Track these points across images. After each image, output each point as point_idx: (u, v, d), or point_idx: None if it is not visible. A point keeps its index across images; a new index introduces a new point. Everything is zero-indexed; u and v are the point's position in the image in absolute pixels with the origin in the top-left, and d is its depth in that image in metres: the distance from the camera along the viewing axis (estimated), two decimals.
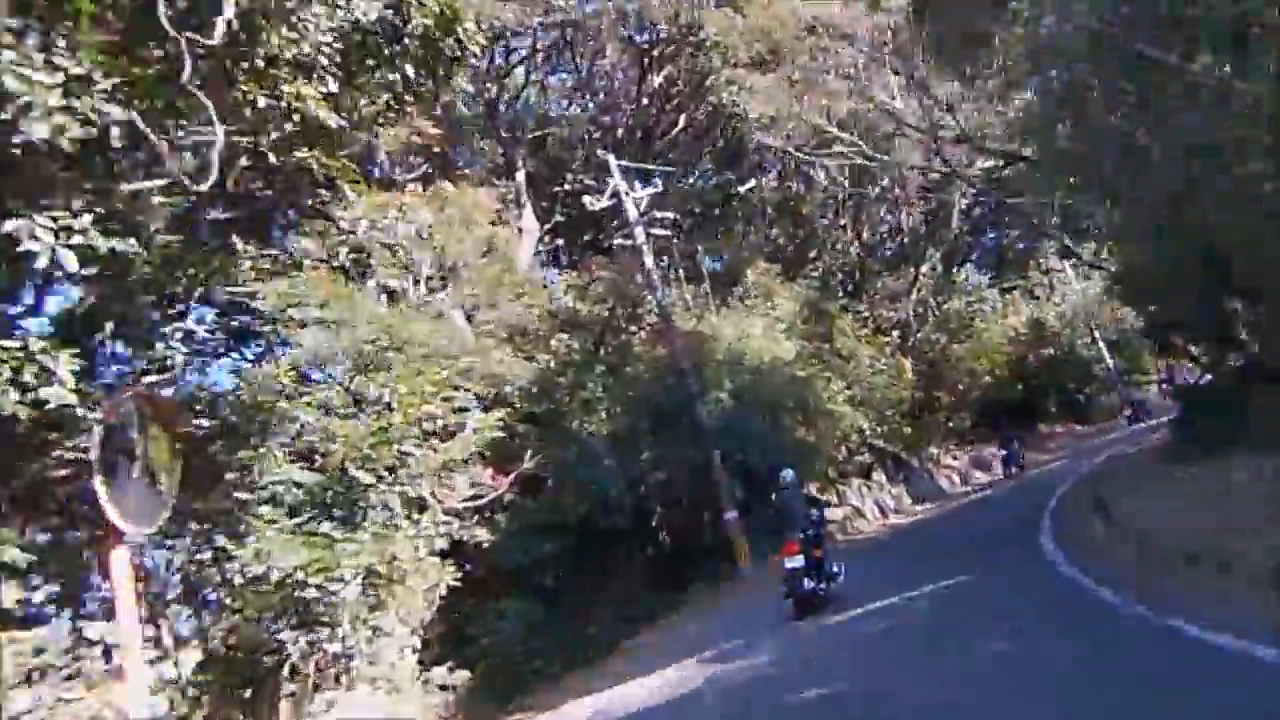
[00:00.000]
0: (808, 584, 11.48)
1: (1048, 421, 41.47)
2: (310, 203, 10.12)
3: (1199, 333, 17.25)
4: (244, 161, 9.34)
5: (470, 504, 15.20)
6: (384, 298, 12.52)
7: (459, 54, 8.73)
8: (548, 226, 23.26)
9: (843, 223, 32.71)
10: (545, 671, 15.48)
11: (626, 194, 20.59)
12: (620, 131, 25.80)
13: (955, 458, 36.52)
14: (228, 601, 11.33)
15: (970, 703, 6.39)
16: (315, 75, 7.66)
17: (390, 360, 11.88)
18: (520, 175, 22.36)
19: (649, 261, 20.48)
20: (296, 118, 8.78)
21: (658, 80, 25.13)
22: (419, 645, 13.14)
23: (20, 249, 6.07)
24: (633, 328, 21.17)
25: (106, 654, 11.35)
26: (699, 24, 22.32)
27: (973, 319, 37.07)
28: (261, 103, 7.41)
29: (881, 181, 34.40)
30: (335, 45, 7.84)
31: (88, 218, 6.50)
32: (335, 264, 10.51)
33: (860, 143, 21.56)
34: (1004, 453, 30.52)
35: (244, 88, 7.32)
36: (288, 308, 11.19)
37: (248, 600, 10.93)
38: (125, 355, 9.24)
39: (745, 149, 27.86)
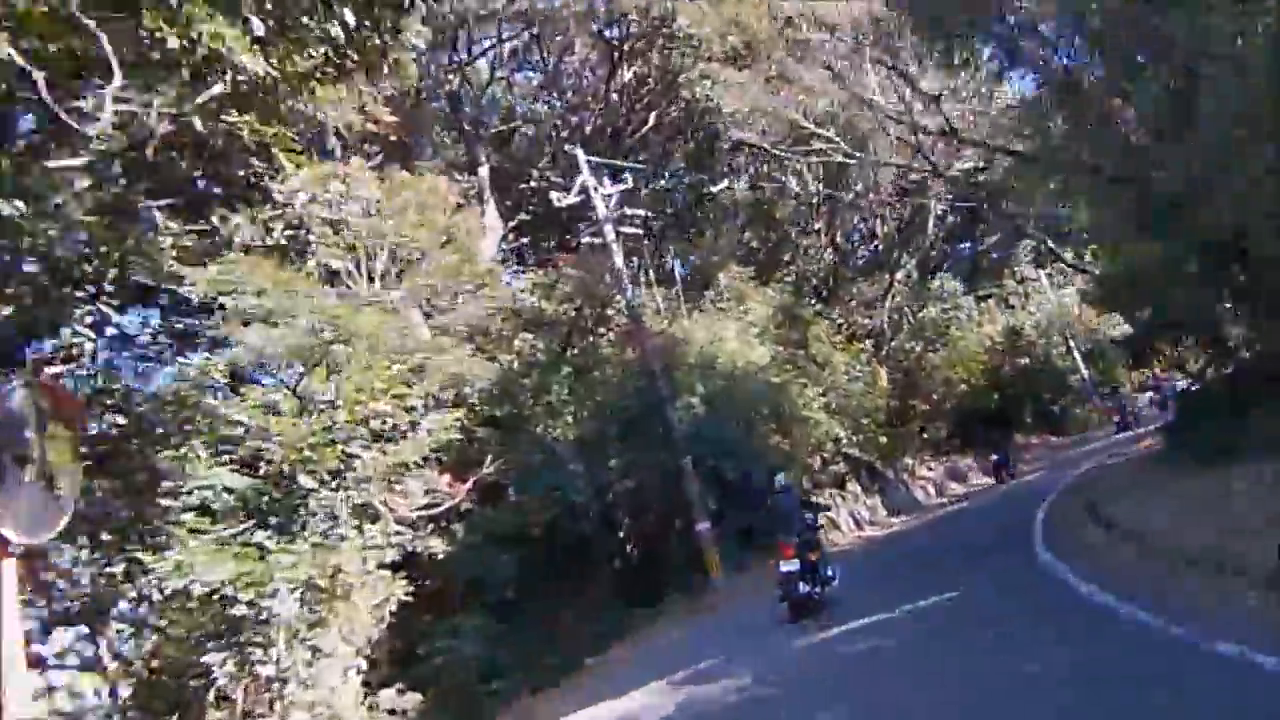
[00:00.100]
0: (802, 588, 11.31)
1: (1023, 432, 41.01)
2: (242, 174, 9.10)
3: (1197, 334, 16.69)
4: (165, 128, 8.33)
5: (425, 513, 14.15)
6: (328, 284, 11.45)
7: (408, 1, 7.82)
8: (512, 224, 22.29)
9: (816, 227, 32.10)
10: (505, 693, 14.43)
11: (595, 190, 19.71)
12: (589, 130, 24.93)
13: (930, 469, 35.83)
14: (150, 620, 10.19)
15: None
16: (238, 17, 6.67)
17: (335, 354, 10.85)
18: (483, 171, 21.38)
19: (618, 260, 19.60)
20: (225, 78, 7.82)
21: (628, 75, 24.27)
22: (365, 666, 12.03)
23: None
24: (601, 329, 20.26)
25: None
26: (672, 16, 21.52)
27: (948, 327, 36.55)
28: (172, 43, 6.42)
29: (855, 186, 33.95)
30: None
31: None
32: (269, 242, 9.45)
33: (838, 139, 20.84)
34: (995, 458, 30.02)
35: (150, 26, 6.33)
36: (220, 295, 10.14)
37: (170, 618, 9.81)
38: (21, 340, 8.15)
39: (718, 149, 27.15)
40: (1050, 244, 24.95)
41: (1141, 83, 11.26)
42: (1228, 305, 14.65)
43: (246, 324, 11.60)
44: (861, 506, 28.19)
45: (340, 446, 10.51)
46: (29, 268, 7.29)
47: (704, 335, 22.88)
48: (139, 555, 9.38)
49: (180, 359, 13.04)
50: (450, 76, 21.68)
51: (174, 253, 9.53)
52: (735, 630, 13.39)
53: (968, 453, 37.17)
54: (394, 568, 13.37)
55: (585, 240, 20.18)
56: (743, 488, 19.77)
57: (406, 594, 13.18)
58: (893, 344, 34.90)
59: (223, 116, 8.18)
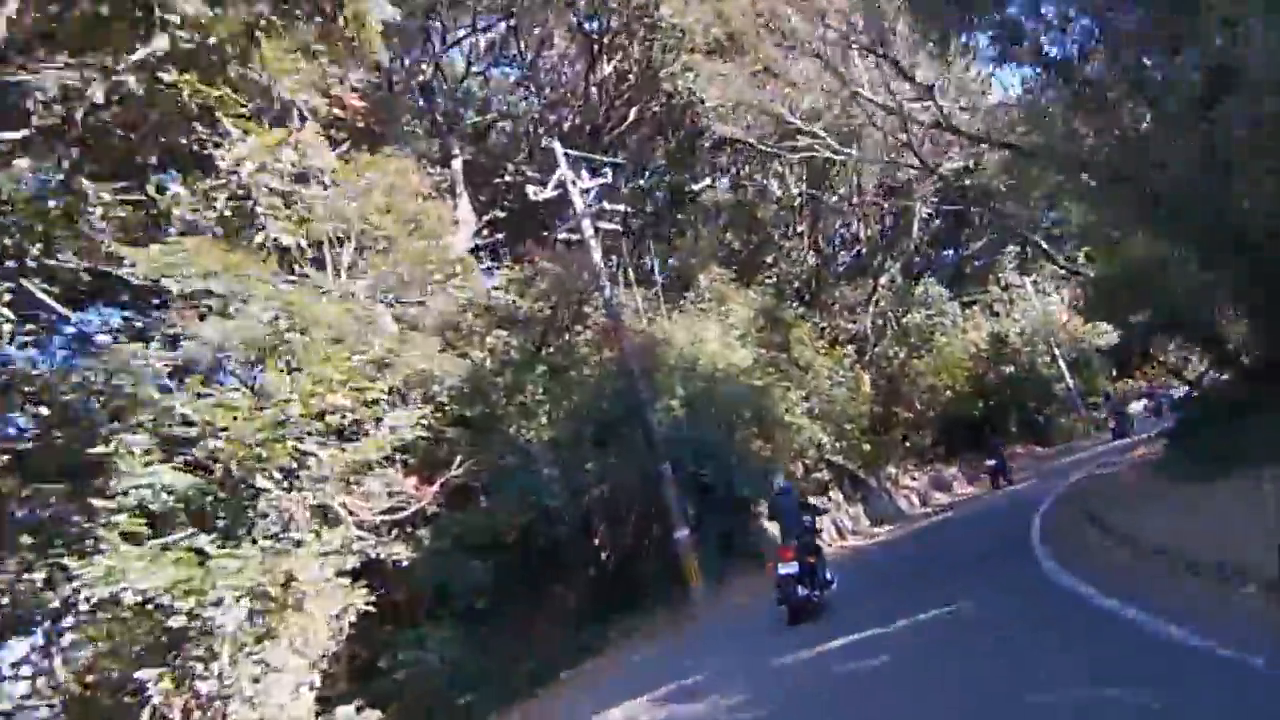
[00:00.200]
0: (801, 591, 11.17)
1: (1008, 442, 40.58)
2: (185, 143, 8.30)
3: (1198, 336, 16.17)
4: (98, 93, 7.54)
5: (389, 516, 13.34)
6: (286, 269, 10.62)
7: None
8: (486, 219, 21.49)
9: (799, 229, 31.52)
10: (473, 708, 13.61)
11: (573, 183, 19.00)
12: (567, 127, 24.22)
13: (914, 477, 35.25)
14: (76, 631, 9.30)
15: None
16: None
17: (291, 344, 10.03)
18: (457, 164, 20.58)
19: (596, 257, 18.89)
20: (163, 32, 7.04)
21: (607, 69, 23.55)
22: (319, 681, 11.18)
23: None
24: (578, 328, 19.50)
25: None
26: (654, 4, 20.84)
27: (933, 333, 36.04)
28: None
29: (839, 190, 33.46)
30: None
31: None
32: (212, 216, 8.64)
33: (825, 135, 20.23)
34: (992, 463, 29.55)
35: None
36: (163, 278, 9.30)
37: (99, 630, 8.94)
38: None
39: (699, 148, 26.50)
40: (1044, 245, 24.32)
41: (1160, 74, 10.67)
42: (1233, 308, 14.13)
43: (202, 317, 10.84)
44: (844, 515, 27.55)
45: (294, 443, 9.69)
46: None
47: (684, 336, 22.21)
48: (63, 560, 8.51)
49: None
50: (423, 67, 20.88)
51: (107, 228, 8.67)
52: (718, 643, 12.68)
53: (952, 462, 36.69)
54: (355, 575, 12.58)
55: (562, 236, 19.43)
56: (723, 494, 19.17)
57: (368, 603, 12.37)
58: (876, 349, 34.36)
59: (158, 75, 7.38)
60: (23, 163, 8.74)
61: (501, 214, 22.42)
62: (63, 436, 8.73)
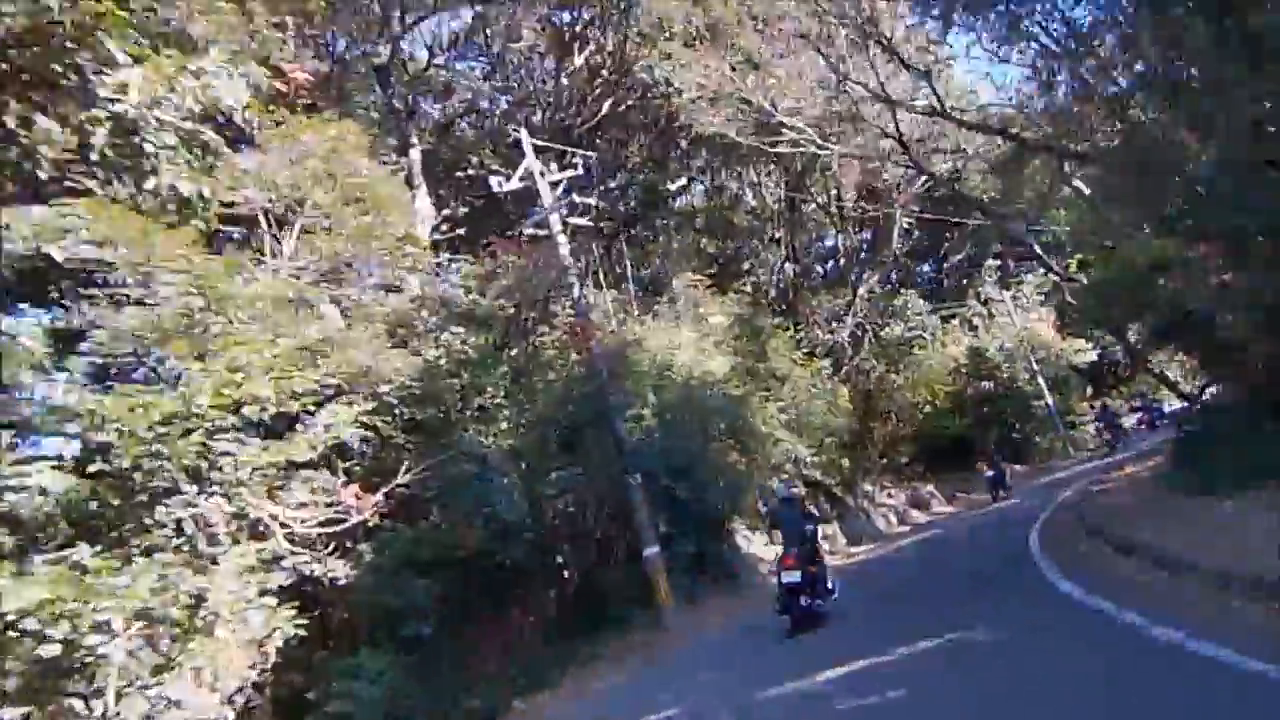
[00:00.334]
0: (804, 601, 11.10)
1: (986, 461, 39.76)
2: (57, 69, 6.93)
3: (1206, 343, 15.20)
4: None
5: (326, 529, 11.90)
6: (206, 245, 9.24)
7: None
8: (446, 213, 20.05)
9: (777, 236, 30.46)
10: None
11: (541, 174, 17.76)
12: (536, 124, 22.88)
13: (891, 495, 34.30)
14: None
15: None
16: None
17: (202, 323, 8.62)
18: (415, 153, 19.17)
19: (565, 252, 17.63)
20: None
21: (579, 60, 22.28)
22: (232, 718, 9.71)
23: None
24: (544, 329, 18.19)
25: None
26: None
27: (912, 347, 35.16)
28: None
29: (819, 198, 32.58)
30: None
31: None
32: (91, 156, 7.25)
33: (808, 130, 19.13)
34: (991, 474, 29.15)
35: None
36: (42, 247, 7.86)
37: None
38: None
39: (675, 148, 25.32)
40: (1037, 248, 23.34)
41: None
42: (1252, 313, 13.15)
43: (119, 305, 9.43)
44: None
45: (200, 438, 8.26)
46: None
47: (658, 341, 21.01)
48: None
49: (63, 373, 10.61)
50: (381, 49, 19.46)
51: None
52: (694, 670, 11.37)
53: (930, 479, 35.82)
54: (284, 595, 11.18)
55: (529, 232, 18.13)
56: (696, 509, 17.96)
57: (297, 627, 10.97)
58: (853, 362, 33.38)
59: None
60: None
61: (464, 209, 21.04)
62: None
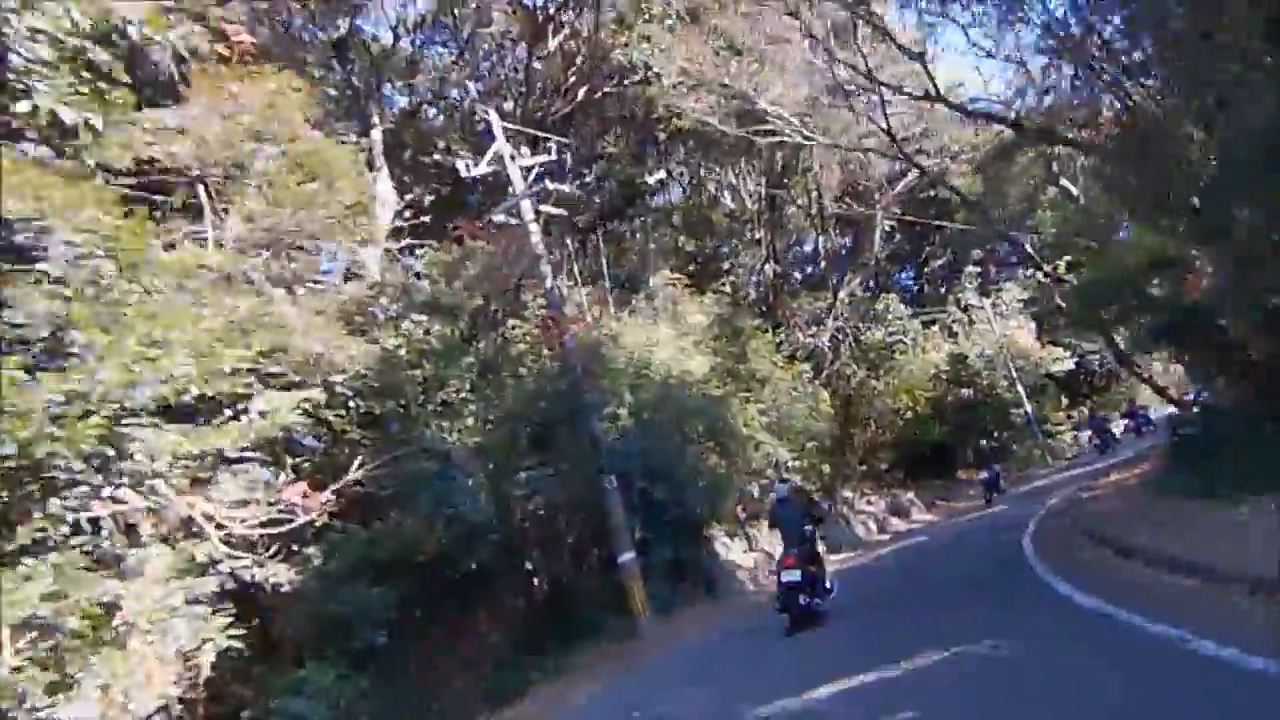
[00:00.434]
0: (803, 600, 11.07)
1: (965, 469, 39.31)
2: None
3: (1204, 342, 14.54)
4: None
5: (269, 531, 10.79)
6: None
7: None
8: (411, 198, 18.86)
9: (757, 237, 29.64)
10: None
11: (511, 158, 16.76)
12: (509, 109, 21.84)
13: (870, 502, 33.56)
14: None
15: None
16: None
17: (111, 289, 7.50)
18: (376, 134, 17.98)
19: (537, 241, 16.63)
20: None
21: (553, 44, 21.18)
22: None
23: None
24: (514, 322, 17.13)
25: None
26: None
27: (893, 352, 34.50)
28: None
29: (799, 199, 31.87)
30: None
31: None
32: None
33: (793, 120, 18.28)
34: (985, 476, 29.11)
35: None
36: None
37: None
38: None
39: (653, 138, 24.35)
40: (1028, 247, 22.63)
41: None
42: (1260, 314, 12.48)
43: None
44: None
45: (105, 421, 7.14)
46: None
47: (635, 339, 20.08)
48: None
49: None
50: (337, 22, 18.23)
51: None
52: (670, 688, 10.35)
53: (910, 487, 35.18)
54: (220, 602, 10.10)
55: (499, 220, 17.07)
56: (674, 513, 17.02)
57: (233, 638, 9.88)
58: (834, 367, 32.61)
59: None
60: None
61: (430, 197, 19.91)
62: None
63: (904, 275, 41.83)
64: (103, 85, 7.12)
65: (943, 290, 42.15)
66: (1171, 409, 25.06)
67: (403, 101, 22.53)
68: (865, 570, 18.76)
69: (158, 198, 10.05)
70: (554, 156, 17.55)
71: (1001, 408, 38.77)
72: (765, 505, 23.81)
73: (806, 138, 18.99)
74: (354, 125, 18.15)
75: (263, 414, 9.47)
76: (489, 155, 16.73)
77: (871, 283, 36.99)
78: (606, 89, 21.72)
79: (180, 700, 9.46)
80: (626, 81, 20.74)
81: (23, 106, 6.59)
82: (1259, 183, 10.02)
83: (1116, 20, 11.64)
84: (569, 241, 20.77)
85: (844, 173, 30.94)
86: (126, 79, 7.40)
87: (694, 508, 17.82)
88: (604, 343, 18.56)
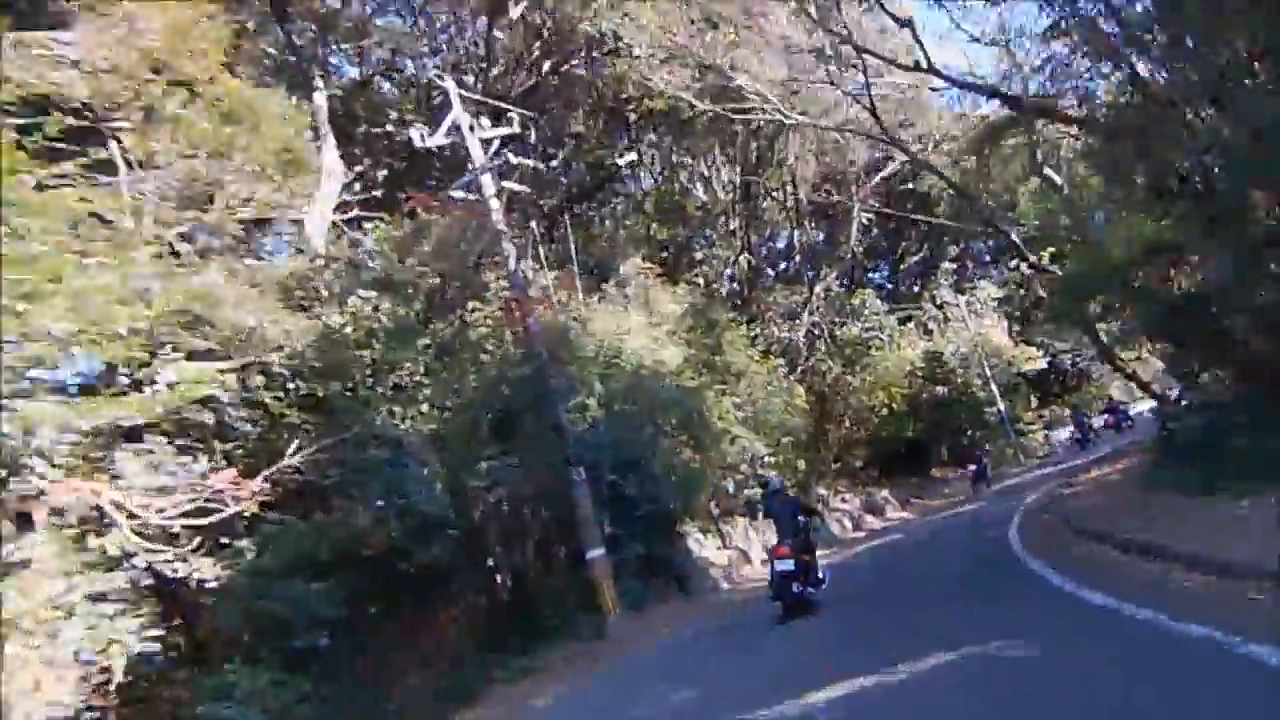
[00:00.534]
0: (796, 588, 11.24)
1: (939, 467, 38.89)
2: None
3: (1200, 334, 13.91)
4: None
5: (193, 521, 9.68)
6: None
7: None
8: (361, 170, 17.58)
9: (732, 228, 28.81)
10: None
11: (470, 129, 15.77)
12: (470, 83, 20.60)
13: (845, 500, 32.92)
14: None
15: None
16: None
17: None
18: (320, 98, 16.64)
19: (498, 219, 15.64)
20: None
21: (515, 12, 19.91)
22: None
23: None
24: (474, 304, 16.09)
25: None
26: None
27: (869, 347, 33.90)
28: None
29: (774, 192, 31.14)
30: None
31: None
32: None
33: (771, 96, 17.40)
34: (974, 468, 30.17)
35: None
36: None
37: None
38: None
39: (623, 118, 23.33)
40: (1013, 235, 21.88)
41: None
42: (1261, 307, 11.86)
43: None
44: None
45: None
46: None
47: (605, 325, 19.18)
48: None
49: None
50: None
51: None
52: (643, 689, 9.46)
53: (884, 484, 34.61)
54: (141, 599, 9.06)
55: (458, 195, 16.04)
56: (646, 508, 16.30)
57: (150, 639, 8.83)
58: (809, 362, 31.90)
59: None
60: None
61: (384, 172, 18.71)
62: None
63: (878, 273, 41.37)
64: None
65: (917, 288, 41.77)
66: (1151, 404, 24.79)
67: (354, 73, 21.18)
68: (845, 568, 17.96)
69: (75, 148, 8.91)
70: (516, 129, 16.55)
71: (976, 406, 38.49)
72: (740, 501, 23.41)
73: (786, 116, 18.10)
74: (299, 93, 16.81)
75: (170, 385, 8.34)
76: (445, 125, 15.71)
77: (848, 278, 36.47)
78: (574, 63, 20.68)
79: (90, 708, 8.39)
80: (595, 54, 19.72)
81: None
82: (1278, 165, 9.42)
83: None
84: (535, 224, 19.70)
85: (821, 164, 30.30)
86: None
87: (666, 502, 17.26)
88: (572, 328, 17.65)
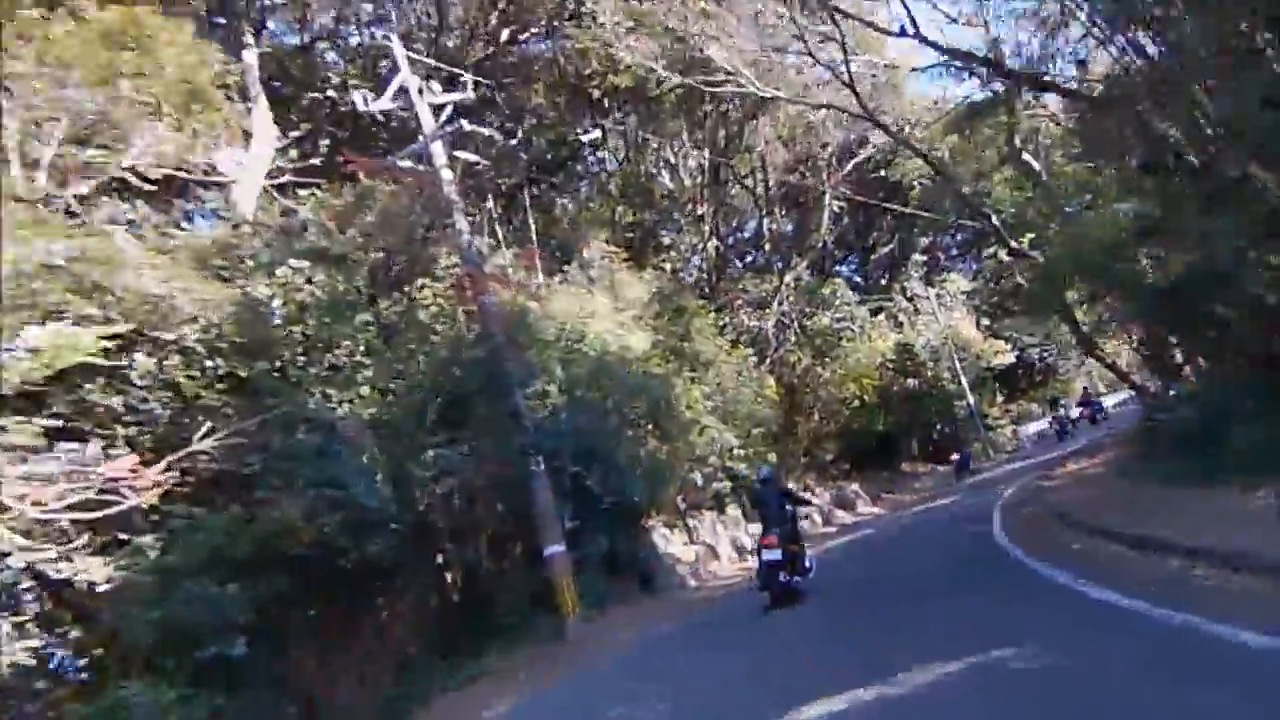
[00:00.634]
0: (784, 577, 11.32)
1: (910, 461, 38.32)
2: None
3: (1190, 319, 13.19)
4: None
5: (82, 515, 8.39)
6: None
7: None
8: (297, 135, 16.17)
9: (699, 213, 27.79)
10: None
11: (419, 92, 14.55)
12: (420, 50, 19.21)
13: (815, 494, 32.13)
14: None
15: None
16: None
17: None
18: (250, 55, 15.09)
19: (450, 190, 14.45)
20: None
21: None
22: None
23: None
24: (422, 281, 14.88)
25: None
26: None
27: (840, 338, 33.13)
28: None
29: (744, 178, 30.17)
30: None
31: None
32: None
33: (743, 70, 16.36)
34: (957, 457, 31.31)
35: None
36: None
37: None
38: None
39: (586, 94, 22.11)
40: (996, 221, 21.02)
41: None
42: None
43: None
44: (744, 534, 24.11)
45: None
46: None
47: (567, 308, 18.06)
48: None
49: None
50: None
51: None
52: (607, 694, 8.42)
53: (855, 478, 33.88)
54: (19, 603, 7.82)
55: (405, 165, 14.80)
56: (610, 502, 15.35)
57: (26, 652, 7.60)
58: (778, 353, 31.01)
59: None
60: None
61: (325, 141, 17.32)
62: None
63: (848, 265, 40.78)
64: None
65: (886, 280, 41.24)
66: (1122, 397, 24.47)
67: (294, 41, 19.71)
68: (822, 565, 17.07)
69: None
70: (470, 94, 15.35)
71: (946, 399, 38.19)
72: (708, 494, 22.50)
73: (760, 90, 17.07)
74: (228, 52, 15.29)
75: (34, 351, 7.08)
76: (392, 88, 14.48)
77: (818, 268, 35.72)
78: (534, 31, 19.45)
79: None
80: (556, 23, 18.52)
81: None
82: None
83: None
84: (492, 200, 18.47)
85: (791, 150, 29.43)
86: None
87: (631, 495, 16.15)
88: (531, 310, 16.47)
